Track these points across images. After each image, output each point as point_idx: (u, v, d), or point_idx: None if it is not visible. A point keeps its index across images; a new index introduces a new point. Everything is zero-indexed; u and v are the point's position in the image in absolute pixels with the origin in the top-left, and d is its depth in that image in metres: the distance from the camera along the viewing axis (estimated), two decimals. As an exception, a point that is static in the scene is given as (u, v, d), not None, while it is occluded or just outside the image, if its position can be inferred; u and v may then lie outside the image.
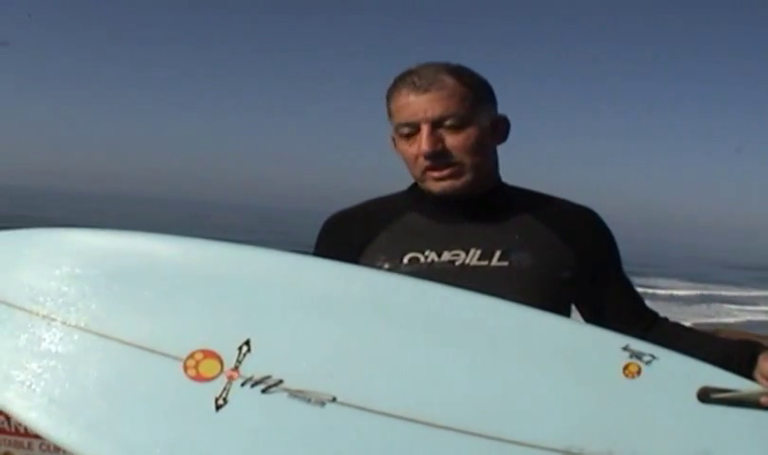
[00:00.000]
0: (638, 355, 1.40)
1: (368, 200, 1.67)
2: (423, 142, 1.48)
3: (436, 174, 1.52)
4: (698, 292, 23.90)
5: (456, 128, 1.48)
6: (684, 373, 1.38)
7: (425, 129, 1.48)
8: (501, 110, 1.60)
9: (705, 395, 1.35)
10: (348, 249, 1.59)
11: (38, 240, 1.66)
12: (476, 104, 1.50)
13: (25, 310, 1.56)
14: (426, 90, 1.47)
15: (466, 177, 1.51)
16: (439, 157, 1.49)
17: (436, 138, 1.48)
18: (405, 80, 1.50)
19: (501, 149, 1.60)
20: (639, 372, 1.38)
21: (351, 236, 1.62)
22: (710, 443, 1.32)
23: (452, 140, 1.48)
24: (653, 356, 1.39)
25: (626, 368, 1.39)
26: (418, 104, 1.48)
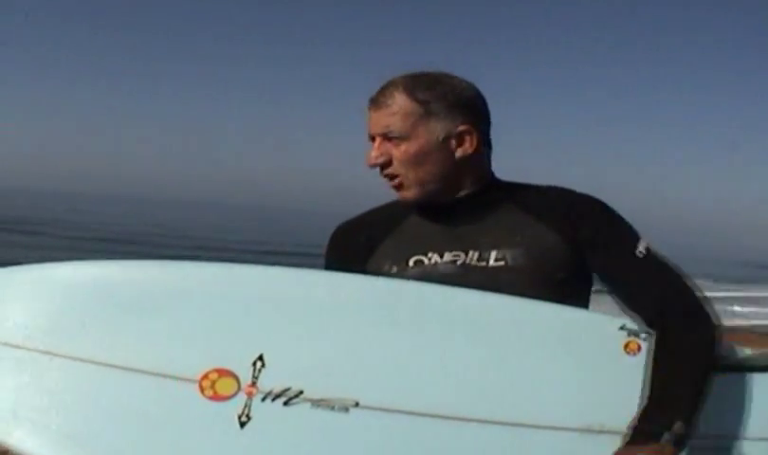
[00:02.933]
0: (635, 333, 1.49)
1: (371, 208, 1.76)
2: (369, 154, 1.62)
3: (389, 183, 1.64)
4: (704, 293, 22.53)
5: (398, 141, 1.59)
6: None
7: (375, 142, 1.62)
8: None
9: None
10: (355, 258, 1.66)
11: (25, 276, 1.62)
12: (424, 119, 1.58)
13: (23, 348, 1.52)
14: (378, 107, 1.60)
15: (413, 190, 1.61)
16: (382, 168, 1.62)
17: (382, 151, 1.60)
18: (372, 95, 1.63)
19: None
20: (639, 348, 1.48)
21: (356, 245, 1.69)
22: (716, 406, 1.42)
23: (395, 152, 1.60)
24: (649, 333, 1.49)
25: (626, 346, 1.48)
26: (372, 120, 1.62)
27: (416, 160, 1.58)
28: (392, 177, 1.61)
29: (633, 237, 1.56)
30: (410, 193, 1.60)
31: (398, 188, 1.61)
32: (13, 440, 1.46)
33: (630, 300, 1.53)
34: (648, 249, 1.55)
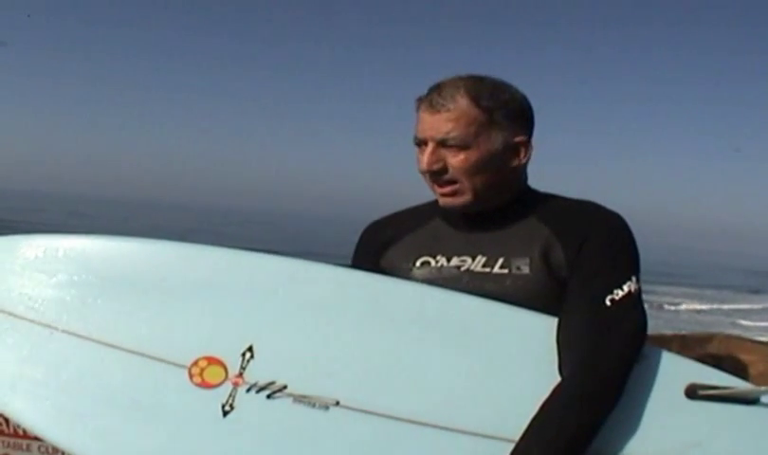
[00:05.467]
0: None
1: (404, 208, 1.76)
2: (423, 159, 1.56)
3: (438, 190, 1.59)
4: (714, 305, 21.41)
5: (457, 149, 1.53)
6: (671, 372, 1.45)
7: (429, 147, 1.55)
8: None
9: (693, 392, 1.42)
10: (372, 252, 1.69)
11: (30, 246, 1.66)
12: (486, 127, 1.54)
13: (26, 319, 1.58)
14: (437, 111, 1.54)
15: (466, 197, 1.56)
16: (437, 175, 1.56)
17: (437, 157, 1.55)
18: (428, 95, 1.57)
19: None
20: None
21: (377, 240, 1.71)
22: (698, 436, 1.39)
23: (452, 160, 1.54)
24: (642, 355, 1.46)
25: None
26: (428, 123, 1.55)
27: (475, 170, 1.54)
28: (445, 184, 1.57)
29: (616, 279, 1.46)
30: (461, 201, 1.57)
31: (451, 195, 1.57)
32: (11, 410, 1.52)
33: (562, 334, 1.46)
34: (622, 298, 1.44)
